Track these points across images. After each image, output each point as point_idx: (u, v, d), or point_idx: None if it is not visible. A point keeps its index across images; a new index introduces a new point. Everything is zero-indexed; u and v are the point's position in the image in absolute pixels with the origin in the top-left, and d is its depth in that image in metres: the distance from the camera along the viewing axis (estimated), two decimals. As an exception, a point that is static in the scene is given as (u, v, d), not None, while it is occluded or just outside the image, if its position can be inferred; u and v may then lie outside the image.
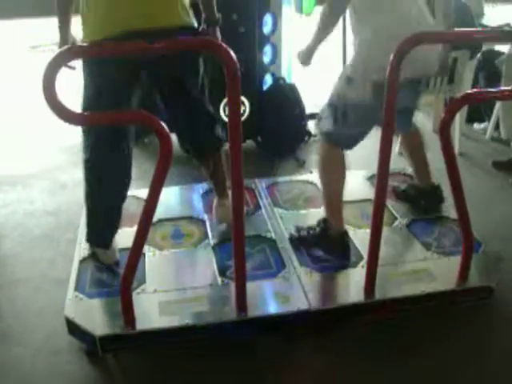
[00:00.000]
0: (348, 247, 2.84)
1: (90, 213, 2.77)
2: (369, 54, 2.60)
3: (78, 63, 2.40)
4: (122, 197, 2.76)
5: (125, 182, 2.74)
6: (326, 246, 2.84)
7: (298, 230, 2.97)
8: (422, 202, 3.26)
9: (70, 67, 2.32)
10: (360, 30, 2.65)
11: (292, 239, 2.95)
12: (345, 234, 2.87)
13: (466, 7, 4.38)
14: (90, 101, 2.52)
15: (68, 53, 1.87)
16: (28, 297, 2.77)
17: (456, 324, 2.53)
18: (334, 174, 2.83)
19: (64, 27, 2.60)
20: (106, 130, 2.52)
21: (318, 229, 2.89)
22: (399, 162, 3.66)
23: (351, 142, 2.78)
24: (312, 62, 2.79)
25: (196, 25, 2.63)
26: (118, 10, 2.38)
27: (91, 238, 2.82)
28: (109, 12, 2.39)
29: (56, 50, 1.88)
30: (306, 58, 2.77)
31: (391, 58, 2.07)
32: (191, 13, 2.60)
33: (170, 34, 2.33)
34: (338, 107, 2.68)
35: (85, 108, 2.52)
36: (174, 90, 2.69)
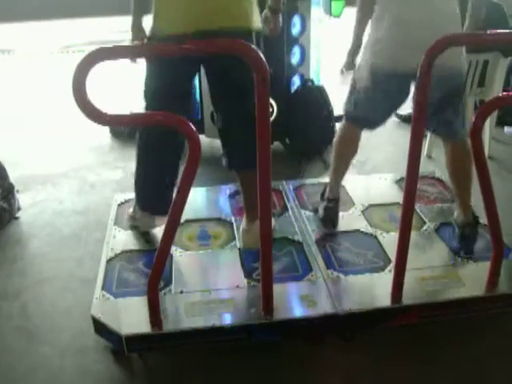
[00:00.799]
0: (330, 217, 3.09)
1: (138, 177, 2.90)
2: (374, 37, 2.68)
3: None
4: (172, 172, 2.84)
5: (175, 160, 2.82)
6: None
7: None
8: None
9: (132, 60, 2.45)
10: (375, 17, 2.70)
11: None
12: (335, 201, 3.11)
13: (499, 7, 4.33)
14: (149, 94, 2.68)
15: (98, 54, 1.88)
16: (55, 296, 2.80)
17: (483, 331, 2.50)
18: (346, 149, 3.04)
19: (137, 22, 2.71)
20: None
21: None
22: (428, 165, 3.63)
23: (366, 124, 2.95)
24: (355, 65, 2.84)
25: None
26: (188, 8, 2.44)
27: (139, 200, 2.96)
28: (175, 10, 2.46)
29: (88, 50, 1.89)
30: (349, 60, 2.86)
31: (422, 60, 2.05)
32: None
33: (235, 36, 2.27)
34: (352, 90, 2.88)
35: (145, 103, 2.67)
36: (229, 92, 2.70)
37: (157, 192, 2.88)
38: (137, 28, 2.72)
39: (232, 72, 2.55)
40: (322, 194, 3.21)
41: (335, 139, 3.08)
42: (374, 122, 2.94)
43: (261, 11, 2.72)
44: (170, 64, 2.48)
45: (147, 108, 2.68)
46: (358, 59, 2.84)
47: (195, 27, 2.39)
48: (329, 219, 3.11)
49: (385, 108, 2.88)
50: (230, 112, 2.73)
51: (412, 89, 2.55)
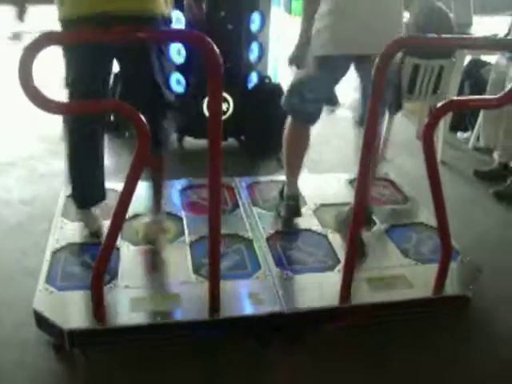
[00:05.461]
0: (293, 214, 3.11)
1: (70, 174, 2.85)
2: (317, 30, 2.72)
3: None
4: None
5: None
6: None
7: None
8: None
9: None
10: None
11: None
12: (296, 196, 3.13)
13: (445, 15, 4.40)
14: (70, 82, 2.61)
15: (44, 39, 1.82)
16: (-2, 287, 2.72)
17: (431, 332, 2.52)
18: (297, 145, 3.06)
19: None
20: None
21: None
22: (382, 167, 3.65)
23: (307, 116, 2.96)
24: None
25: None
26: None
27: (75, 198, 2.91)
28: None
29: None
30: (299, 58, 2.82)
31: (377, 60, 2.06)
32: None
33: (143, 21, 2.41)
34: (293, 84, 2.93)
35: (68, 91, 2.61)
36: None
37: (98, 181, 2.91)
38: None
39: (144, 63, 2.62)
40: (281, 193, 3.21)
41: (284, 136, 3.07)
42: (314, 114, 2.96)
43: None
44: (90, 50, 2.43)
45: (72, 95, 2.63)
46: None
47: (101, 9, 2.37)
48: (292, 217, 3.12)
49: (326, 90, 2.99)
50: (139, 100, 2.68)
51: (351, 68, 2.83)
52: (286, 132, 3.06)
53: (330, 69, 2.79)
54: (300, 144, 3.05)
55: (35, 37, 1.78)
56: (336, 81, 2.91)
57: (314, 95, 2.85)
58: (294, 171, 3.12)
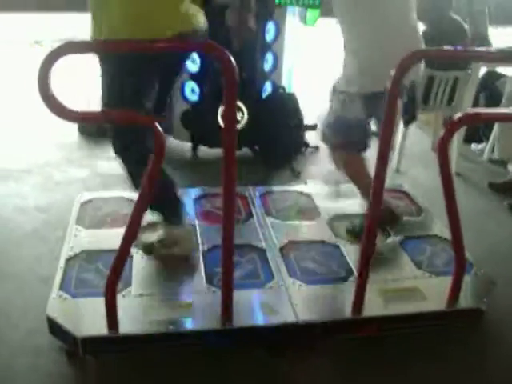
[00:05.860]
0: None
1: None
2: (360, 68, 2.77)
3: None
4: None
5: None
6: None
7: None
8: None
9: None
10: (349, 40, 2.81)
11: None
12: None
13: (458, 23, 4.41)
14: (114, 97, 2.53)
15: (65, 48, 1.84)
16: (12, 293, 2.73)
17: (445, 345, 2.50)
18: (359, 174, 3.08)
19: None
20: None
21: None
22: (396, 179, 3.65)
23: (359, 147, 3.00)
24: None
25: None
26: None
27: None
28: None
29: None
30: None
31: (392, 73, 2.06)
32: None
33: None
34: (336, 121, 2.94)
35: (109, 104, 2.54)
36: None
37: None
38: None
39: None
40: None
41: (343, 168, 3.12)
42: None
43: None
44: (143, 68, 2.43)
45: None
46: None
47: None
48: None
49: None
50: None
51: None
52: (345, 169, 3.11)
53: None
54: (361, 168, 3.09)
55: (56, 45, 1.80)
56: None
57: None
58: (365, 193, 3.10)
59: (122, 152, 2.65)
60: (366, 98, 2.79)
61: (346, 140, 2.96)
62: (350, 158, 3.05)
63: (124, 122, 2.43)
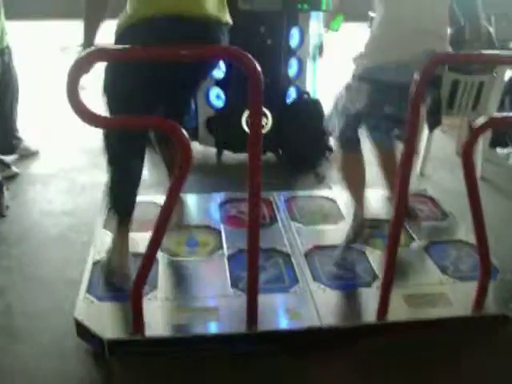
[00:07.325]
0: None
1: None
2: (373, 37, 2.77)
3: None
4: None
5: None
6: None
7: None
8: None
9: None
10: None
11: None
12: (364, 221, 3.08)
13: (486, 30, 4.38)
14: (121, 103, 2.53)
15: (94, 55, 1.87)
16: (39, 296, 2.77)
17: (469, 351, 2.48)
18: (352, 177, 3.10)
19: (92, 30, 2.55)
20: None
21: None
22: (421, 183, 3.63)
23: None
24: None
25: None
26: None
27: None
28: None
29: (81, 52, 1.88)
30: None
31: (416, 79, 2.06)
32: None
33: (209, 24, 2.45)
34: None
35: (115, 110, 2.55)
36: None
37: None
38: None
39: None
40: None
41: (339, 167, 3.13)
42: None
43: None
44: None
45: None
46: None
47: (178, 10, 2.37)
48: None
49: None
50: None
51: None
52: (340, 165, 3.12)
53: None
54: (356, 172, 3.12)
55: (84, 52, 1.82)
56: None
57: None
58: (356, 198, 3.15)
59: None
60: (373, 83, 2.72)
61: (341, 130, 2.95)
62: (346, 159, 3.06)
63: (149, 128, 2.46)
